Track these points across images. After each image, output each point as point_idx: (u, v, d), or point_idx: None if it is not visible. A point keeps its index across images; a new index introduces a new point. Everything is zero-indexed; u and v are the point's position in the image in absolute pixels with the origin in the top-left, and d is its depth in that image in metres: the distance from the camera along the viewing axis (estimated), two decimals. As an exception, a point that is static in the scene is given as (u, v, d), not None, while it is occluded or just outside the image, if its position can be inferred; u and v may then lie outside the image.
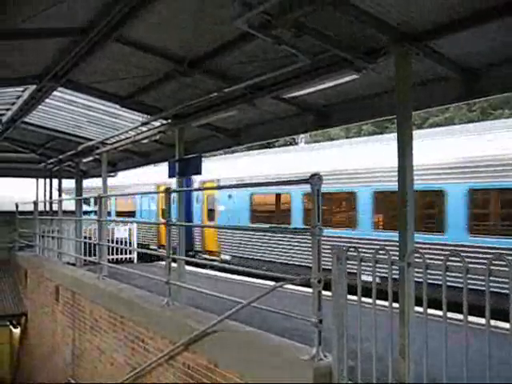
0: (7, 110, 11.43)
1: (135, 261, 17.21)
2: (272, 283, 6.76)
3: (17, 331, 15.87)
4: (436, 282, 3.74)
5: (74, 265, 13.57)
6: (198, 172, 9.58)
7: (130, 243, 17.61)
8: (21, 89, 9.83)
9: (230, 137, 10.45)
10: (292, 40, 5.60)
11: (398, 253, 4.88)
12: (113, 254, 16.18)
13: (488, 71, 5.98)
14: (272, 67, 6.68)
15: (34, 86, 9.19)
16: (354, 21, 5.26)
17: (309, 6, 4.83)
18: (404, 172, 5.21)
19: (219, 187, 20.02)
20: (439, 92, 6.51)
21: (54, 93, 9.67)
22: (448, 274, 3.61)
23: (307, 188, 4.74)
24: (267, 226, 16.82)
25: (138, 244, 18.88)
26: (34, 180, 19.44)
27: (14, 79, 8.86)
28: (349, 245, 4.66)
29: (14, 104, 11.02)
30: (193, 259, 14.89)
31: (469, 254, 9.45)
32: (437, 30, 5.31)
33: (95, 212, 14.82)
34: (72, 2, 5.47)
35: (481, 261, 3.71)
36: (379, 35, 5.45)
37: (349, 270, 4.37)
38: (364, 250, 4.31)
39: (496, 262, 3.32)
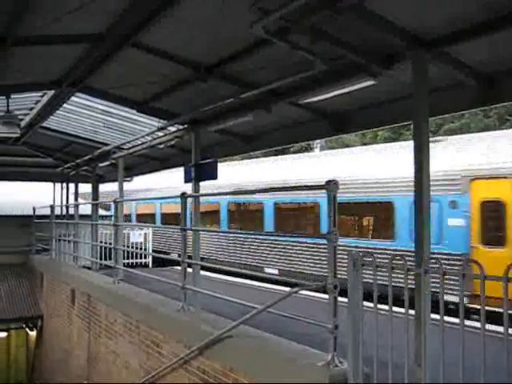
0: (26, 115, 11.56)
1: (150, 265, 17.31)
2: (286, 289, 6.76)
3: (33, 334, 16.01)
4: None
5: (89, 268, 13.67)
6: (214, 177, 9.61)
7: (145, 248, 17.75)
8: (39, 94, 9.97)
9: (246, 142, 10.48)
10: (308, 45, 5.60)
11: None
12: (128, 259, 16.27)
13: (505, 77, 5.93)
14: (288, 73, 6.68)
15: (53, 92, 9.31)
16: (371, 26, 5.26)
17: (325, 11, 4.84)
18: (421, 180, 5.16)
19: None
20: (456, 98, 6.47)
21: (72, 98, 9.78)
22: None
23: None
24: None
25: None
26: (51, 184, 19.59)
27: (32, 85, 8.99)
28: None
29: (32, 109, 11.16)
30: (207, 264, 14.89)
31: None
32: (454, 36, 5.28)
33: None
34: (90, 9, 5.52)
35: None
36: (396, 41, 5.43)
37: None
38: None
39: None
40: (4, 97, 9.20)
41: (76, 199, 18.74)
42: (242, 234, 18.10)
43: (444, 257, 10.32)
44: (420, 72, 5.31)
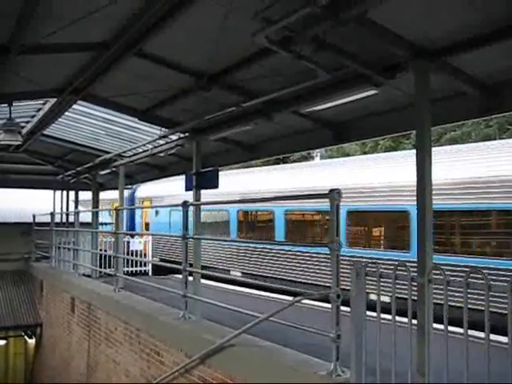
0: (27, 122, 11.58)
1: (150, 273, 17.28)
2: (288, 298, 6.75)
3: (32, 342, 15.95)
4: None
5: (89, 276, 13.64)
6: (215, 185, 9.62)
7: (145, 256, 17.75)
8: (41, 102, 9.98)
9: (247, 151, 10.49)
10: (311, 55, 5.63)
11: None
12: (128, 267, 16.25)
13: (506, 87, 5.95)
14: (291, 82, 6.70)
15: (55, 100, 9.32)
16: (374, 37, 5.28)
17: (328, 22, 4.86)
18: (423, 189, 5.16)
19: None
20: (457, 107, 6.48)
21: (74, 106, 9.79)
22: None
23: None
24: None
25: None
26: (51, 192, 19.59)
27: (34, 92, 8.99)
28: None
29: (33, 117, 11.17)
30: (209, 273, 14.86)
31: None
32: (456, 47, 5.31)
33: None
34: (94, 18, 5.54)
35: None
36: (398, 51, 5.46)
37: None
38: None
39: None
40: (6, 104, 9.22)
41: (76, 207, 18.73)
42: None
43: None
44: (422, 82, 5.34)
